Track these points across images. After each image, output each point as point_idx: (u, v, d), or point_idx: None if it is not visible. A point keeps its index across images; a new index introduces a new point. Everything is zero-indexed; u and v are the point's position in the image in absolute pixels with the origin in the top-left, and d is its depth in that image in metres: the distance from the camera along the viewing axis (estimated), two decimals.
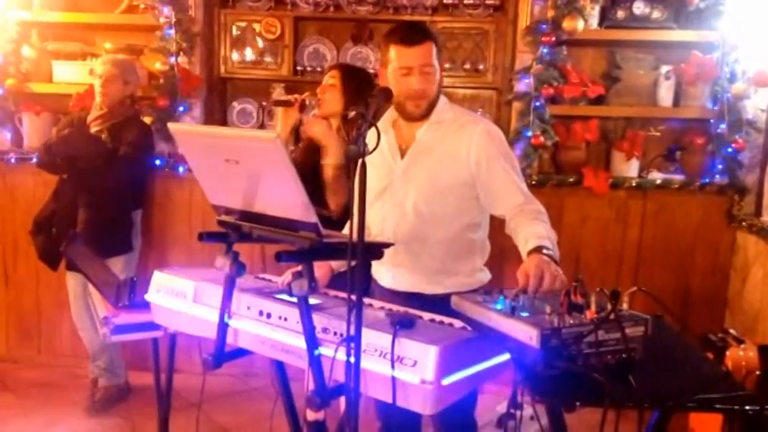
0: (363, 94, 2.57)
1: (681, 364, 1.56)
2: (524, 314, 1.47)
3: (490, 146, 2.03)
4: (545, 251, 1.72)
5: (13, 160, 3.73)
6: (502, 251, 2.29)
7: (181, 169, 3.62)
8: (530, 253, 1.75)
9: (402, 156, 2.10)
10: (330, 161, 2.56)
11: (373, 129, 1.58)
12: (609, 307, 1.41)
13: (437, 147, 2.07)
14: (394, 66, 2.02)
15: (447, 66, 3.82)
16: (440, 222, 2.07)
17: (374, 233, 2.14)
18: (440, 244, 2.08)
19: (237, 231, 1.77)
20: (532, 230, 1.83)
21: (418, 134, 2.08)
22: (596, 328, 1.35)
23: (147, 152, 3.43)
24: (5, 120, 3.83)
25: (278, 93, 4.01)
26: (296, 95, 2.77)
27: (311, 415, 2.70)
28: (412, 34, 2.00)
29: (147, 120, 3.62)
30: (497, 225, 2.11)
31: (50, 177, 3.36)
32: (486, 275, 2.18)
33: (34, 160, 3.42)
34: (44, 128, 3.78)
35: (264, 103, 4.02)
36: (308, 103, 2.73)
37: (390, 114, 2.14)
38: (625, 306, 1.49)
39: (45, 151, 3.27)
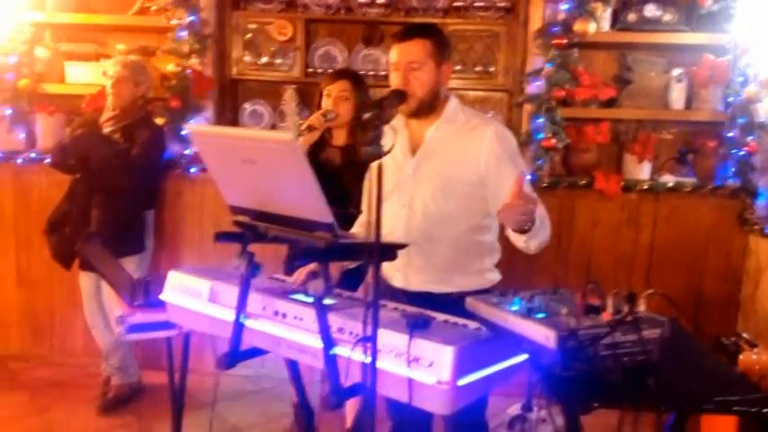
0: (367, 100, 2.83)
1: (696, 367, 1.56)
2: (540, 315, 1.47)
3: (500, 149, 2.04)
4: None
5: (26, 160, 3.76)
6: (513, 252, 2.29)
7: (193, 170, 3.63)
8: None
9: (413, 155, 2.11)
10: None
11: (388, 130, 1.59)
12: (625, 309, 1.41)
13: (447, 147, 2.08)
14: (390, 68, 2.06)
15: (458, 68, 3.83)
16: (448, 222, 2.08)
17: (384, 233, 2.14)
18: (448, 244, 2.09)
19: (253, 232, 1.78)
20: None
21: (428, 134, 2.09)
22: (613, 330, 1.36)
23: (159, 152, 3.45)
24: (19, 120, 3.85)
25: (289, 94, 4.02)
26: (319, 118, 2.76)
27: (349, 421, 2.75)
28: (405, 31, 2.05)
29: (160, 121, 3.64)
30: None
31: (64, 177, 3.38)
32: (496, 275, 2.18)
33: (48, 160, 3.44)
34: (57, 128, 3.82)
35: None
36: (328, 117, 2.79)
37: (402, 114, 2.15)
38: (642, 308, 1.49)
39: (58, 151, 3.29)
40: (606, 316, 1.41)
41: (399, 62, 2.02)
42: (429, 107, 2.06)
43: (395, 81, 2.03)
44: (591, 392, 1.34)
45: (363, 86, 2.94)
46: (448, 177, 2.06)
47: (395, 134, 1.58)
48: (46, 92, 3.89)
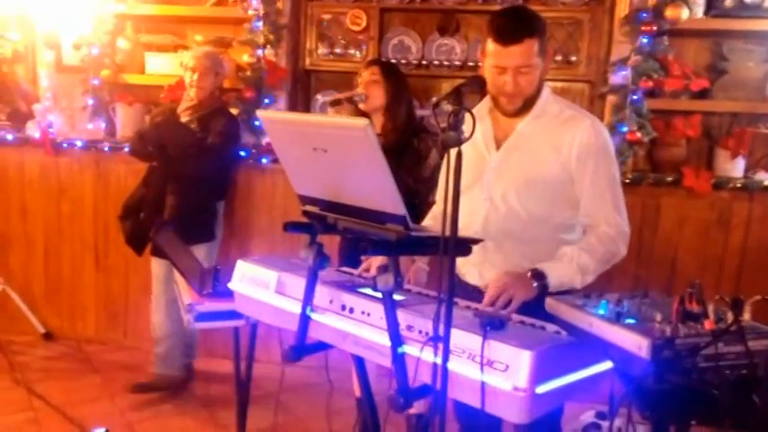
0: (402, 89, 2.86)
1: None
2: (631, 321, 1.34)
3: (592, 144, 1.90)
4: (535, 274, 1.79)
5: (106, 149, 3.85)
6: None
7: (264, 161, 3.63)
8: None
9: (497, 147, 1.99)
10: None
11: (468, 117, 1.49)
12: (728, 316, 1.27)
13: (537, 140, 1.95)
14: (490, 61, 1.89)
15: None
16: (532, 220, 1.95)
17: (460, 227, 2.05)
18: (531, 242, 1.97)
19: (322, 222, 1.72)
20: (559, 260, 1.86)
21: (519, 127, 1.96)
22: (716, 340, 1.22)
23: (234, 142, 3.46)
24: (100, 109, 3.95)
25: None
26: (345, 93, 2.89)
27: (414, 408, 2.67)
28: (509, 31, 1.84)
29: (234, 111, 3.66)
30: None
31: (141, 166, 3.43)
32: None
33: (126, 148, 3.51)
34: (137, 118, 3.90)
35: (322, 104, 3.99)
36: (356, 98, 2.83)
37: (486, 102, 2.03)
38: (747, 316, 1.34)
39: (138, 139, 3.35)
40: (708, 324, 1.27)
41: (508, 66, 1.86)
42: (530, 102, 1.94)
43: (499, 82, 1.88)
44: (688, 408, 1.21)
45: (396, 73, 2.91)
46: (536, 174, 1.93)
47: (474, 121, 1.48)
48: (126, 82, 3.97)
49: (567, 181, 1.93)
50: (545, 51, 1.91)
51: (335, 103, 2.89)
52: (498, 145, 1.99)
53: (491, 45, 1.87)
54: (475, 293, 2.02)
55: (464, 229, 2.03)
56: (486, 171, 1.99)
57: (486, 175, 1.99)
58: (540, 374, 1.39)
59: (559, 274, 1.82)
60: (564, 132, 1.92)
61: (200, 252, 3.24)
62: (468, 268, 2.07)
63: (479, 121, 1.99)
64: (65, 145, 3.90)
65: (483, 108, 2.03)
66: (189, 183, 3.26)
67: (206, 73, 3.31)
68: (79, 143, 3.89)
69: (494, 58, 1.87)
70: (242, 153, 3.62)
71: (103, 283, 3.98)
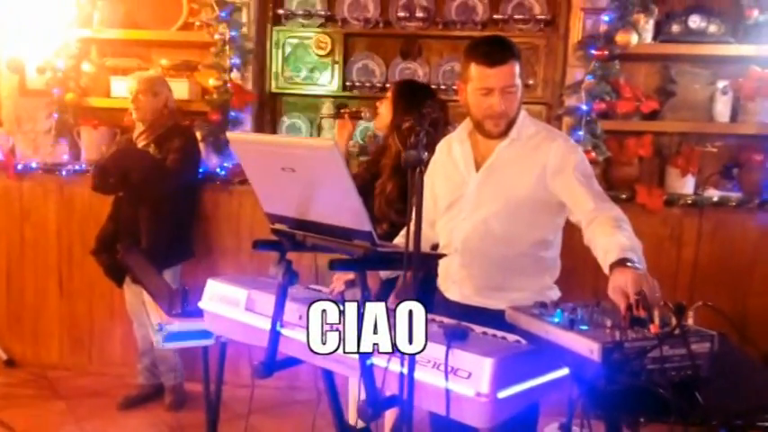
0: (417, 107, 2.64)
1: (748, 383, 1.50)
2: (583, 327, 1.43)
3: (566, 158, 1.98)
4: (629, 264, 1.58)
5: (71, 172, 3.84)
6: (570, 269, 2.24)
7: (231, 182, 3.67)
8: (613, 266, 1.60)
9: (477, 169, 2.07)
10: None
11: (441, 141, 1.57)
12: (673, 321, 1.36)
13: (515, 162, 2.03)
14: (474, 85, 1.96)
15: None
16: (511, 238, 2.03)
17: (441, 245, 2.13)
18: (509, 259, 2.05)
19: (291, 240, 1.77)
20: (613, 240, 1.70)
21: (498, 149, 2.04)
22: (661, 343, 1.31)
23: (195, 156, 3.48)
24: (64, 133, 3.94)
25: (327, 107, 4.06)
26: (347, 108, 2.92)
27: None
28: (494, 53, 1.93)
29: (199, 134, 3.68)
30: (567, 243, 2.07)
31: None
32: (555, 293, 2.13)
33: (90, 170, 3.50)
34: (101, 141, 3.89)
35: (322, 118, 4.00)
36: (363, 115, 2.86)
37: (466, 125, 2.12)
38: (690, 321, 1.43)
39: (98, 173, 3.29)
40: (653, 329, 1.36)
41: (495, 87, 1.93)
42: (510, 124, 2.01)
43: (485, 104, 1.95)
44: (637, 407, 1.30)
45: (410, 93, 2.69)
46: (515, 196, 2.01)
47: (432, 142, 1.57)
48: (91, 105, 3.97)
49: (545, 200, 2.00)
50: (523, 77, 2.00)
51: (337, 116, 2.92)
52: (478, 167, 2.07)
53: (476, 69, 1.95)
54: (456, 309, 2.07)
55: (445, 248, 2.13)
56: (466, 192, 2.07)
57: (467, 196, 2.06)
58: (501, 380, 1.46)
59: (633, 243, 1.72)
60: (539, 152, 2.00)
61: (178, 271, 3.32)
62: (448, 284, 2.15)
63: (460, 144, 2.10)
64: (29, 167, 3.88)
65: (463, 131, 2.12)
66: (159, 205, 3.28)
67: (142, 94, 3.34)
68: (43, 167, 3.87)
69: (480, 80, 1.95)
70: (201, 173, 3.63)
71: (67, 308, 3.94)
